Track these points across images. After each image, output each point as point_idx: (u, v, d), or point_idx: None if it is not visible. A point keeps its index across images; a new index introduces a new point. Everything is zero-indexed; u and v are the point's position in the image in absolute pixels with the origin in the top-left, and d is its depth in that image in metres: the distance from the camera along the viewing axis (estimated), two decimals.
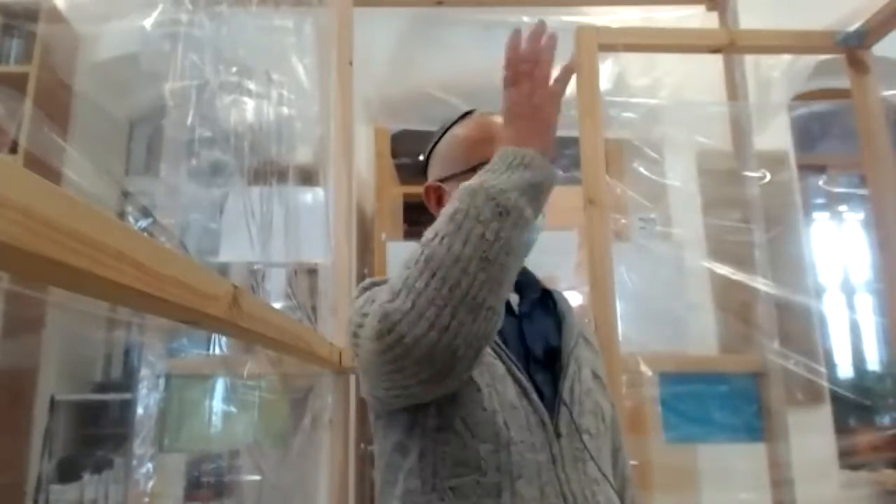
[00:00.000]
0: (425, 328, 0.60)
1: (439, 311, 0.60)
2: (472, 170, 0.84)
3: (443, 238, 0.63)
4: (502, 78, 0.74)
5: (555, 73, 0.75)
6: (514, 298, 0.89)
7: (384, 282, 0.80)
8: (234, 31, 1.62)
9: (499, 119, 0.91)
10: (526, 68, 0.73)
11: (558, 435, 0.78)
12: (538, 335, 0.86)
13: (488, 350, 0.79)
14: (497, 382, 0.77)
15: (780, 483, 1.59)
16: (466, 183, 0.67)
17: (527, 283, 0.92)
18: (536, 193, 0.68)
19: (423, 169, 0.98)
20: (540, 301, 0.91)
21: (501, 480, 0.72)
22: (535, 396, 0.78)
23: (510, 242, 0.64)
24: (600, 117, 1.55)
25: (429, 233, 0.66)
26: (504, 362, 0.79)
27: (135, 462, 1.58)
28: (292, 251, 1.52)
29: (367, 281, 0.85)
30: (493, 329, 0.65)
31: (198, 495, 1.95)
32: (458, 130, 0.92)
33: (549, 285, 0.96)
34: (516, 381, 0.78)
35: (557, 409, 0.79)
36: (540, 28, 0.74)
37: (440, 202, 0.91)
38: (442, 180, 0.91)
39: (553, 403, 0.80)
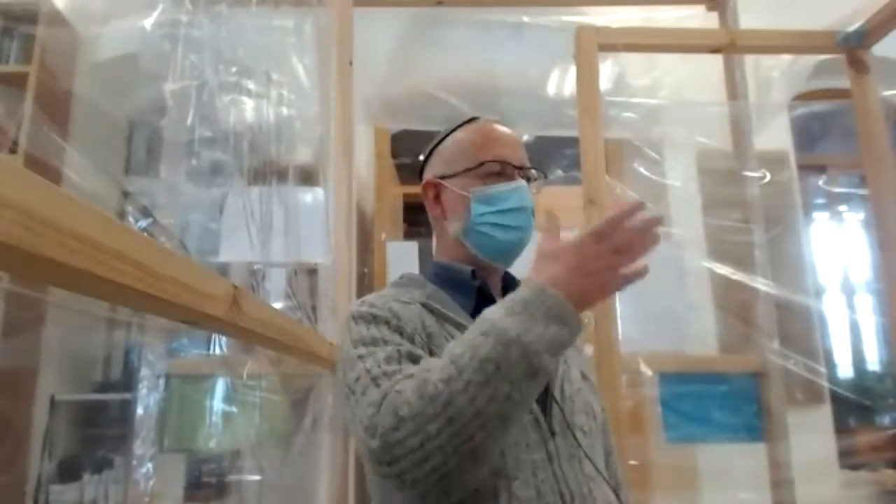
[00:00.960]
0: (427, 471, 0.61)
1: (446, 459, 0.60)
2: (479, 166, 0.89)
3: (467, 385, 0.61)
4: (594, 229, 0.70)
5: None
6: None
7: (379, 318, 0.77)
8: (234, 32, 1.62)
9: (501, 127, 0.95)
10: (623, 240, 0.70)
11: (552, 433, 0.78)
12: None
13: None
14: None
15: (780, 483, 1.59)
16: (502, 326, 0.64)
17: (513, 285, 0.94)
18: (562, 350, 0.67)
19: (419, 170, 1.00)
20: None
21: (498, 484, 0.72)
22: None
23: (531, 399, 0.66)
24: (600, 117, 1.55)
25: (451, 368, 0.63)
26: None
27: (135, 462, 1.58)
28: (292, 251, 1.52)
29: (362, 310, 0.80)
30: (488, 465, 0.68)
31: (198, 495, 1.96)
32: (462, 134, 0.95)
33: None
34: None
35: (549, 408, 0.80)
36: (657, 220, 0.73)
37: (438, 198, 0.94)
38: (443, 177, 0.93)
39: (545, 402, 0.80)
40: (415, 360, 0.71)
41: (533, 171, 0.93)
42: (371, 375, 0.69)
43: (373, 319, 0.78)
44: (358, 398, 0.69)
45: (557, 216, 0.74)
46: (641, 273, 0.72)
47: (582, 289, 0.69)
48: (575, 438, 0.80)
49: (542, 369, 0.64)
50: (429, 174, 0.97)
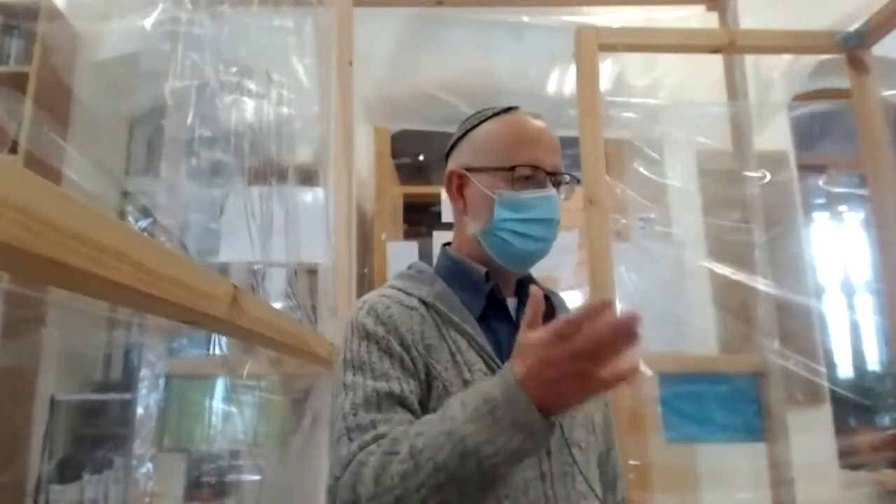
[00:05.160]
0: None
1: None
2: (509, 169, 0.83)
3: (420, 487, 0.63)
4: (554, 330, 0.62)
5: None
6: (513, 303, 0.88)
7: (371, 336, 0.78)
8: (235, 31, 1.62)
9: (539, 123, 0.88)
10: (586, 345, 0.60)
11: (548, 452, 0.77)
12: None
13: (481, 365, 0.79)
14: None
15: (780, 483, 1.59)
16: (462, 434, 0.62)
17: (528, 284, 0.90)
18: (524, 459, 0.65)
19: (446, 152, 0.94)
20: None
21: (486, 503, 0.72)
22: None
23: (483, 500, 0.66)
24: (600, 117, 1.55)
25: (410, 463, 0.64)
26: None
27: (135, 462, 1.58)
28: (292, 251, 1.52)
29: (360, 318, 0.81)
30: None
31: (198, 495, 1.95)
32: (497, 125, 0.88)
33: (550, 286, 0.96)
34: None
35: None
36: (631, 321, 0.60)
37: (461, 190, 0.89)
38: (469, 169, 0.88)
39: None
40: (393, 402, 0.73)
41: (566, 177, 0.87)
42: (346, 424, 0.73)
43: (366, 336, 0.79)
44: (333, 440, 0.74)
45: (540, 299, 0.66)
46: (625, 376, 0.61)
47: (546, 395, 0.62)
48: (571, 455, 0.79)
49: (498, 479, 0.64)
50: (454, 162, 0.90)
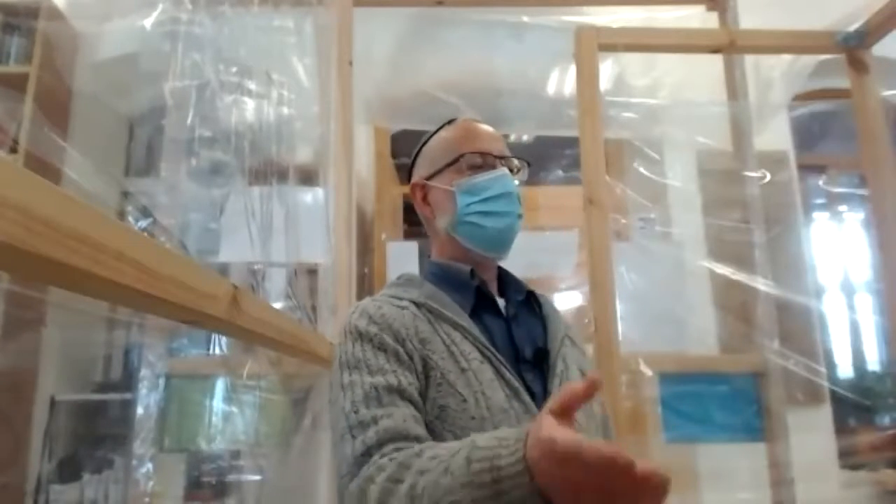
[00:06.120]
0: None
1: None
2: (456, 161, 0.91)
3: None
4: (589, 460, 0.49)
5: None
6: (500, 301, 0.91)
7: (365, 336, 0.79)
8: (235, 31, 1.62)
9: (483, 126, 0.97)
10: (621, 487, 0.49)
11: None
12: (526, 335, 0.88)
13: (476, 354, 0.80)
14: (485, 387, 0.77)
15: (780, 483, 1.59)
16: (456, 497, 0.58)
17: (509, 284, 0.95)
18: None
19: (408, 172, 1.01)
20: (525, 303, 0.93)
21: None
22: (526, 397, 0.79)
23: None
24: (600, 117, 1.55)
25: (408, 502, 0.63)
26: (493, 365, 0.80)
27: (135, 462, 1.58)
28: (292, 251, 1.52)
29: (353, 321, 0.82)
30: None
31: (198, 495, 1.95)
32: (442, 133, 0.97)
33: (550, 287, 0.98)
34: (506, 382, 0.79)
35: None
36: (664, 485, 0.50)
37: (425, 199, 0.96)
38: (429, 177, 0.95)
39: (543, 402, 0.79)
40: (393, 393, 0.73)
41: (515, 161, 0.94)
42: (348, 423, 0.73)
43: (359, 337, 0.80)
44: (336, 439, 0.75)
45: (596, 382, 0.55)
46: None
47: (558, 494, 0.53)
48: None
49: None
50: (415, 176, 0.98)
